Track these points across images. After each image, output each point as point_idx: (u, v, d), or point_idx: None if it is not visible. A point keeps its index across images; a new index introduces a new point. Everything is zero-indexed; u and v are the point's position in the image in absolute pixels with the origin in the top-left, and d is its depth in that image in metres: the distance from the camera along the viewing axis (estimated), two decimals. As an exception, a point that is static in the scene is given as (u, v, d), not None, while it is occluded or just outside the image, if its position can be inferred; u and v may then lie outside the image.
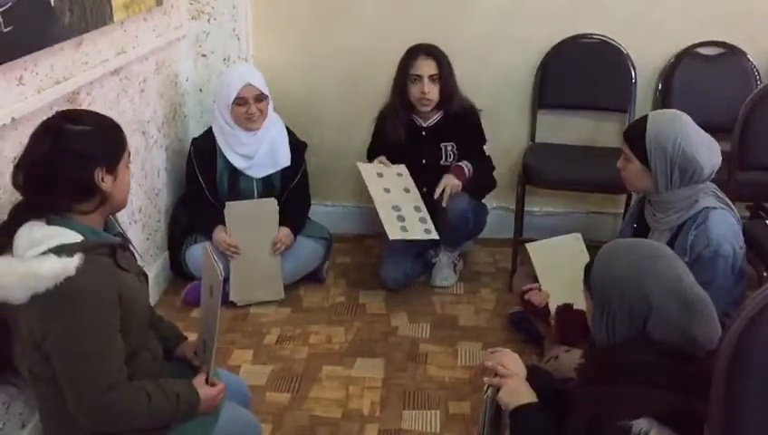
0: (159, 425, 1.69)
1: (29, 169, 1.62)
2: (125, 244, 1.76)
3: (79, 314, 1.54)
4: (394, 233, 2.93)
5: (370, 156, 3.24)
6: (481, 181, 3.17)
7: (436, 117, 3.14)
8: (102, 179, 1.64)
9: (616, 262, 1.59)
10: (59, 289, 1.51)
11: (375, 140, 3.25)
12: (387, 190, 3.03)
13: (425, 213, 3.03)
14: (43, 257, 1.52)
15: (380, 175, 3.07)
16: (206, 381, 1.79)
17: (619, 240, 1.73)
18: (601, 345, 1.61)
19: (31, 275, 1.51)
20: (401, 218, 2.98)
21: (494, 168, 3.25)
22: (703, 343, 1.51)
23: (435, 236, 3.01)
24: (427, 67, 3.02)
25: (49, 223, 1.59)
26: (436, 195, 3.01)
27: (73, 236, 1.58)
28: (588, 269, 1.65)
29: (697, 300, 1.55)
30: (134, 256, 1.83)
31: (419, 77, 3.03)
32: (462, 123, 3.14)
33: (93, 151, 1.63)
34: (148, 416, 1.64)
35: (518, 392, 1.67)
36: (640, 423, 1.39)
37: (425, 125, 3.15)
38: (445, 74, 3.04)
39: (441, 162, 3.14)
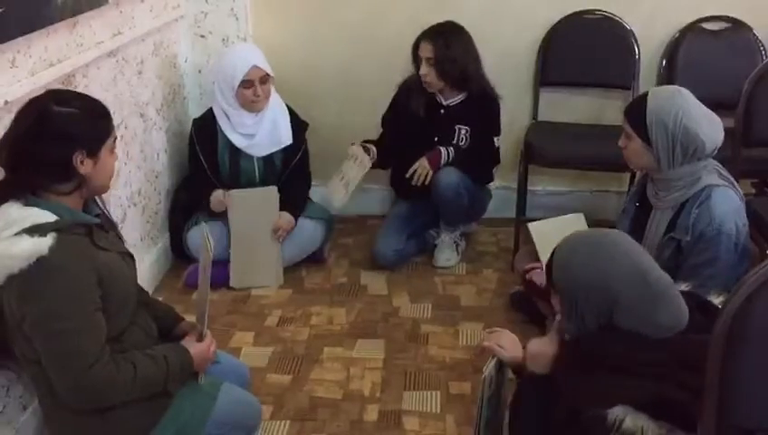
0: (154, 390, 1.69)
1: (10, 147, 1.61)
2: (104, 224, 1.74)
3: (54, 293, 1.54)
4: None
5: (384, 124, 3.23)
6: (476, 166, 3.13)
7: (458, 97, 3.11)
8: (81, 163, 1.63)
9: (573, 260, 1.61)
10: (33, 269, 1.51)
11: (391, 110, 3.22)
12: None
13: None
14: (16, 238, 1.52)
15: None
16: (201, 341, 1.81)
17: (574, 234, 1.73)
18: (573, 337, 1.61)
19: (4, 255, 1.51)
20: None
21: (498, 161, 3.22)
22: (671, 326, 1.53)
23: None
24: (424, 50, 3.01)
25: (26, 204, 1.58)
26: (410, 173, 3.03)
27: (48, 217, 1.56)
28: (549, 269, 1.65)
29: (658, 283, 1.56)
30: (119, 236, 1.82)
31: (421, 59, 3.02)
32: (480, 110, 3.11)
33: (74, 134, 1.61)
34: (138, 385, 1.63)
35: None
36: (615, 411, 1.42)
37: (445, 104, 3.12)
38: (440, 57, 2.98)
39: (452, 142, 3.11)
